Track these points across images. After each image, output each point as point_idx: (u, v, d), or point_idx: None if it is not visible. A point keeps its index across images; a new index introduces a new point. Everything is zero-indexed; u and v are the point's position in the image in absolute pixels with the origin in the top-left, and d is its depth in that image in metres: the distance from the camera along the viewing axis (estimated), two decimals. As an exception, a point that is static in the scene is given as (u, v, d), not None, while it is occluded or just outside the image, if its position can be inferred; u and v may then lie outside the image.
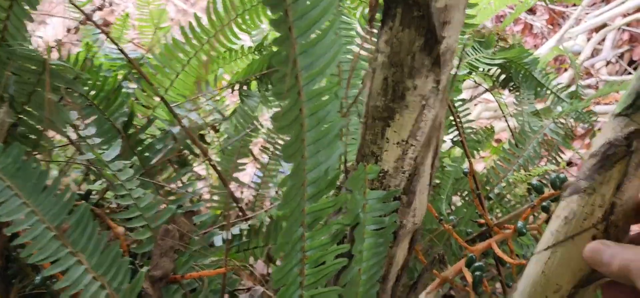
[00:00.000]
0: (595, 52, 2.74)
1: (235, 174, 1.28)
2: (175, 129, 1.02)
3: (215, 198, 1.19)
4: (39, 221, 0.61)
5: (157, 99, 0.95)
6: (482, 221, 0.99)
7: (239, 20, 0.93)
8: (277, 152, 1.26)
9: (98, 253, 0.65)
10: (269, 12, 0.43)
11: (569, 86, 1.48)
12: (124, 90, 0.91)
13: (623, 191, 0.61)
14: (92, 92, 0.84)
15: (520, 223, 0.87)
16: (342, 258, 0.60)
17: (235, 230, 1.00)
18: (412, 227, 0.66)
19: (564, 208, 0.65)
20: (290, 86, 0.44)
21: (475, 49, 1.22)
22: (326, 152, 0.52)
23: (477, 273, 0.79)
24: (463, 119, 1.23)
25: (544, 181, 0.99)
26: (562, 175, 0.88)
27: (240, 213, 1.07)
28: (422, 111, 0.59)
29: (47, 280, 0.72)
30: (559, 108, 1.39)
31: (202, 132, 1.13)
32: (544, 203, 0.88)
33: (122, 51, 0.87)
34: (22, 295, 0.78)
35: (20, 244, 0.63)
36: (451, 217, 0.95)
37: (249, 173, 1.40)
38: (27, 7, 0.70)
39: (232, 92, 1.10)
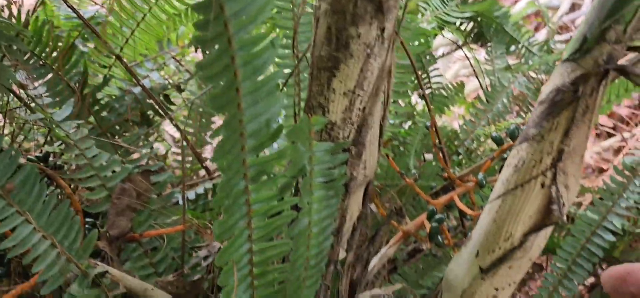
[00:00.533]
0: (576, 7, 2.71)
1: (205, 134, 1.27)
2: (137, 90, 1.00)
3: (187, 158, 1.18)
4: (-19, 180, 0.60)
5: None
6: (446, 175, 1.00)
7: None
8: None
9: (47, 213, 0.65)
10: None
11: (547, 42, 1.47)
12: (80, 49, 0.88)
13: (571, 137, 0.61)
14: (38, 50, 0.81)
15: (480, 175, 0.88)
16: (291, 212, 0.60)
17: (199, 189, 1.00)
18: (363, 179, 0.66)
19: (514, 157, 0.65)
20: (217, 34, 0.43)
21: (444, 2, 1.20)
22: (265, 103, 0.51)
23: (435, 224, 0.79)
24: (431, 75, 1.22)
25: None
26: (522, 127, 0.88)
27: (206, 173, 1.07)
28: (368, 60, 0.58)
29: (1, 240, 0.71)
30: (531, 63, 1.38)
31: (166, 92, 1.12)
32: (505, 155, 0.88)
33: (72, 8, 0.84)
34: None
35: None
36: (413, 172, 0.95)
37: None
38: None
39: (195, 51, 1.08)
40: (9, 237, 0.63)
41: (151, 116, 1.05)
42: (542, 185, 0.63)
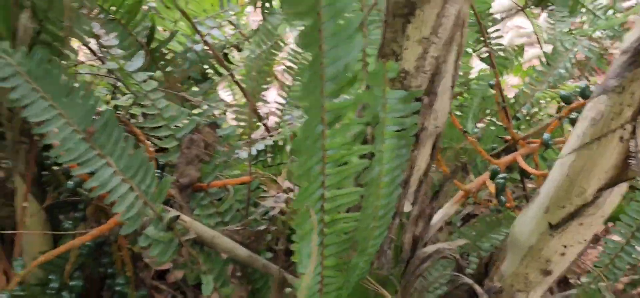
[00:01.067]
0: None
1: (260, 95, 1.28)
2: (198, 47, 1.02)
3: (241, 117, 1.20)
4: (66, 123, 0.63)
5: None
6: (508, 137, 0.98)
7: None
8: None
9: (125, 157, 0.67)
10: None
11: (613, 5, 1.41)
12: (147, 4, 0.90)
13: (655, 88, 0.58)
14: (107, 5, 0.84)
15: (546, 135, 0.86)
16: (362, 161, 0.60)
17: (260, 146, 1.02)
18: (434, 130, 0.65)
19: (590, 109, 0.63)
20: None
21: (506, -38, 1.17)
22: (345, 46, 0.51)
23: (500, 181, 0.78)
24: (492, 37, 1.19)
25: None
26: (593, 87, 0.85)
27: (265, 132, 1.08)
28: (445, 6, 0.57)
29: (79, 186, 0.75)
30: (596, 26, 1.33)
31: (226, 51, 1.13)
32: (572, 115, 0.85)
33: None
34: (57, 203, 0.81)
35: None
36: (475, 130, 0.94)
37: (271, 98, 1.40)
38: None
39: (254, 10, 1.09)
40: (87, 181, 0.66)
41: (210, 75, 1.07)
42: (621, 139, 0.61)
